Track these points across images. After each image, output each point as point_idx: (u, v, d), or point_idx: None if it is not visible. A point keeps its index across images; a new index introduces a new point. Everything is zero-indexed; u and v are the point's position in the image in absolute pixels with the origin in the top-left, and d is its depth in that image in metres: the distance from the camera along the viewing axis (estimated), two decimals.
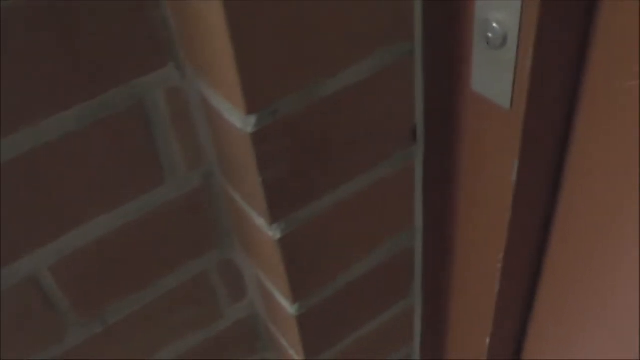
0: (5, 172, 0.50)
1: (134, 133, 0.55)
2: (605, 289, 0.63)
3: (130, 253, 0.62)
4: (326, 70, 0.50)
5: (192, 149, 0.60)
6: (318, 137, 0.53)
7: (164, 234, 0.63)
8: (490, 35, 0.50)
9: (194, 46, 0.51)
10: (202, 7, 0.44)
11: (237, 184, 0.58)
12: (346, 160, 0.57)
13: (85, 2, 0.46)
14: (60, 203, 0.54)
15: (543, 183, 0.61)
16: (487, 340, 0.78)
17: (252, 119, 0.48)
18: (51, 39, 0.46)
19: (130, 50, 0.51)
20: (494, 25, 0.50)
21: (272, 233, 0.56)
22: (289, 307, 0.64)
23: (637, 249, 0.56)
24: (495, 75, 0.53)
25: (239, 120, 0.49)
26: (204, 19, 0.45)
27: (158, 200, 0.61)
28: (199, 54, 0.50)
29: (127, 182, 0.57)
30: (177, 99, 0.56)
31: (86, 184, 0.55)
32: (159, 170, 0.59)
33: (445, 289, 0.79)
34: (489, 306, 0.74)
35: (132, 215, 0.59)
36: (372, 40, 0.51)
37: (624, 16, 0.46)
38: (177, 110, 0.56)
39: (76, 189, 0.55)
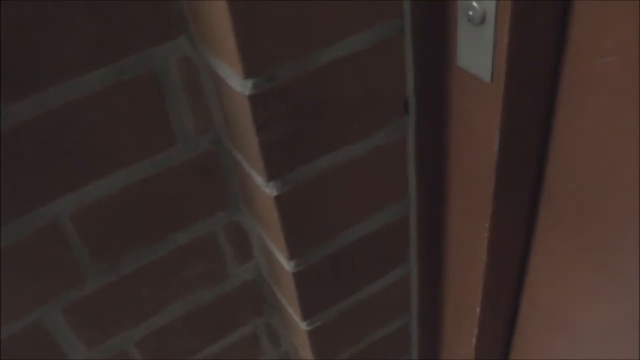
0: (34, 124, 0.56)
1: (149, 97, 0.61)
2: (598, 264, 0.66)
3: (143, 207, 0.68)
4: (321, 41, 0.55)
5: (202, 114, 0.65)
6: (313, 103, 0.58)
7: (176, 192, 0.69)
8: (471, 13, 0.55)
9: (200, 18, 0.56)
10: None
11: (240, 145, 0.64)
12: (340, 126, 0.62)
13: None
14: (81, 155, 0.61)
15: (528, 155, 0.65)
16: (478, 311, 0.83)
17: (250, 83, 0.54)
18: (81, 8, 0.52)
19: (147, 22, 0.57)
20: (474, 3, 0.54)
21: (269, 190, 0.62)
22: (285, 264, 0.70)
23: (630, 222, 0.60)
24: (477, 51, 0.58)
25: (238, 84, 0.54)
26: None
27: (170, 160, 0.66)
28: (205, 24, 0.56)
29: (142, 141, 0.63)
30: (188, 68, 0.62)
31: (105, 140, 0.61)
32: (171, 133, 0.65)
33: (439, 258, 0.84)
34: (478, 277, 0.78)
35: (145, 172, 0.65)
36: (364, 15, 0.56)
37: None
38: (188, 78, 0.62)
39: (96, 144, 0.61)
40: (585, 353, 0.75)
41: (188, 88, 0.63)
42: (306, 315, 0.77)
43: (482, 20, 0.55)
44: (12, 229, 0.61)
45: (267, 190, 0.62)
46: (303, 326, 0.79)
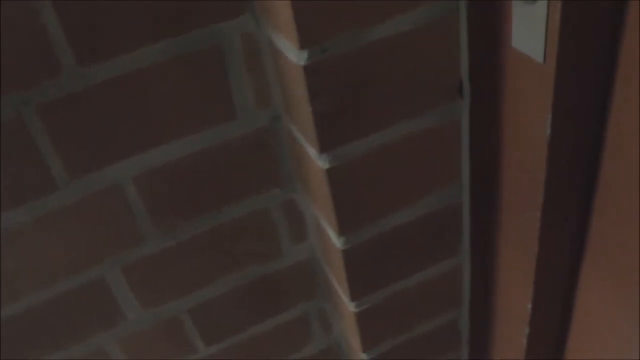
0: (105, 89, 0.61)
1: (213, 71, 0.65)
2: None
3: (202, 177, 0.72)
4: (373, 18, 0.57)
5: (262, 90, 0.69)
6: (364, 78, 0.60)
7: (233, 165, 0.72)
8: None
9: None
10: None
11: (296, 118, 0.66)
12: (391, 104, 0.64)
13: None
14: (144, 122, 0.65)
15: (581, 140, 0.65)
16: (529, 308, 0.82)
17: (305, 54, 0.56)
18: None
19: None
20: None
21: (322, 163, 0.64)
22: (335, 240, 0.72)
23: None
24: (530, 31, 0.58)
25: (294, 55, 0.57)
26: None
27: (229, 133, 0.70)
28: (267, 1, 0.59)
29: (203, 113, 0.67)
30: (250, 44, 0.65)
31: (168, 109, 0.65)
32: (232, 106, 0.68)
33: (491, 249, 0.83)
34: (529, 271, 0.77)
35: (205, 143, 0.69)
36: None
37: None
38: (250, 54, 0.66)
39: (159, 111, 0.65)
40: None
41: (250, 64, 0.66)
42: (355, 295, 0.79)
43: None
44: (79, 185, 0.66)
45: (319, 162, 0.64)
46: (351, 307, 0.81)
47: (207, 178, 0.72)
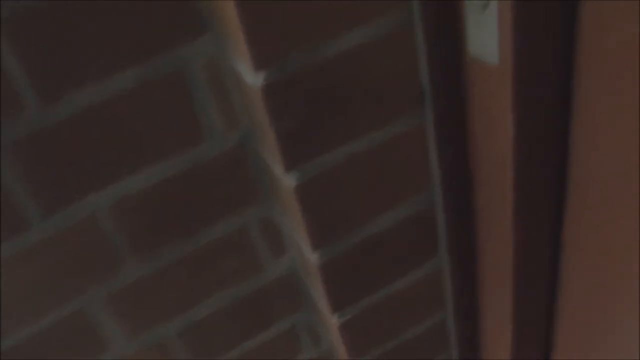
0: (72, 123, 0.61)
1: (177, 95, 0.65)
2: (629, 250, 0.65)
3: (177, 201, 0.72)
4: (329, 33, 0.57)
5: (229, 112, 0.69)
6: (325, 93, 0.61)
7: (208, 187, 0.72)
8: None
9: (219, 16, 0.60)
10: None
11: (260, 137, 0.67)
12: (356, 116, 0.64)
13: None
14: (115, 152, 0.65)
15: (547, 136, 0.65)
16: (511, 306, 0.82)
17: (261, 75, 0.56)
18: (109, 13, 0.57)
19: (172, 22, 0.61)
20: None
21: (289, 181, 0.64)
22: (310, 255, 0.72)
23: None
24: (484, 36, 0.59)
25: (251, 77, 0.57)
26: None
27: (200, 156, 0.70)
28: (223, 22, 0.59)
29: (173, 138, 0.67)
30: (213, 66, 0.65)
31: (137, 138, 0.65)
32: (200, 129, 0.68)
33: (470, 250, 0.83)
34: (508, 270, 0.77)
35: (176, 168, 0.69)
36: (371, 6, 0.58)
37: None
38: (213, 76, 0.66)
39: (129, 141, 0.65)
40: (629, 352, 0.73)
41: (214, 86, 0.66)
42: (336, 307, 0.79)
43: (485, 6, 0.56)
44: (54, 220, 0.66)
45: (286, 180, 0.64)
46: (334, 319, 0.81)
47: (183, 202, 0.72)
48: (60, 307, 0.73)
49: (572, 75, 0.60)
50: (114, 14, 0.58)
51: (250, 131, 0.71)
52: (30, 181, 0.63)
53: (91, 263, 0.71)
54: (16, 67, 0.57)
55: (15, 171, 0.62)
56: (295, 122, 0.61)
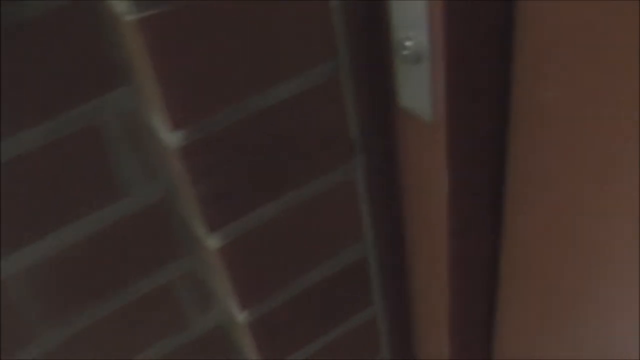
0: None
1: (91, 151, 0.59)
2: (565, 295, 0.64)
3: (97, 260, 0.65)
4: (251, 89, 0.53)
5: (147, 166, 0.63)
6: (251, 150, 0.57)
7: (129, 244, 0.67)
8: (405, 52, 0.53)
9: (136, 69, 0.55)
10: (127, 30, 0.48)
11: (182, 196, 0.62)
12: (283, 172, 0.60)
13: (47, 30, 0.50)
14: (24, 214, 0.59)
15: (482, 193, 0.63)
16: (448, 343, 0.80)
17: (180, 135, 0.52)
18: (18, 61, 0.51)
19: (86, 74, 0.55)
20: (408, 42, 0.53)
21: (213, 242, 0.60)
22: (238, 315, 0.67)
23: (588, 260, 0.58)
24: (416, 90, 0.56)
25: (168, 137, 0.53)
26: (131, 41, 0.49)
27: (118, 213, 0.64)
28: (140, 76, 0.54)
29: (88, 195, 0.61)
30: (130, 121, 0.60)
31: (52, 196, 0.59)
32: (118, 186, 0.62)
33: (406, 297, 0.81)
34: (444, 318, 0.75)
35: (94, 226, 0.63)
36: (296, 60, 0.54)
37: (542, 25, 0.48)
38: (131, 131, 0.60)
39: (43, 200, 0.59)
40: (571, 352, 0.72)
41: (131, 141, 0.61)
42: None
43: (418, 59, 0.53)
44: None
45: (210, 242, 0.60)
46: None
47: (103, 260, 0.66)
48: None
49: (507, 131, 0.58)
50: (18, 64, 0.51)
51: (171, 187, 0.66)
52: None
53: (6, 332, 0.64)
54: None
55: None
56: (218, 183, 0.56)
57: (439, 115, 0.55)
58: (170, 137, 0.52)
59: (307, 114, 0.58)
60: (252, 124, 0.55)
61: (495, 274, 0.73)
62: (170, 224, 0.69)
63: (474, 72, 0.53)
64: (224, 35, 0.49)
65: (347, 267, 0.72)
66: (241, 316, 0.67)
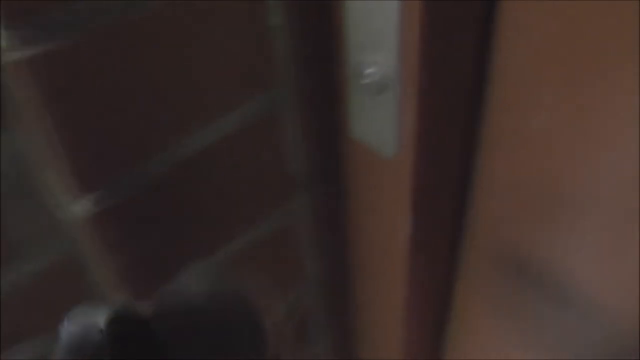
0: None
1: None
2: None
3: None
4: (169, 137, 0.42)
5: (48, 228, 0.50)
6: (178, 204, 0.45)
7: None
8: (366, 80, 0.44)
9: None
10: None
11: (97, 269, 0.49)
12: (217, 226, 0.49)
13: None
14: None
15: (445, 234, 0.56)
16: None
17: (88, 202, 0.40)
18: None
19: None
20: (369, 70, 0.43)
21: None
22: None
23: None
24: (375, 123, 0.47)
25: (72, 205, 0.40)
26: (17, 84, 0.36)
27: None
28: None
29: None
30: (18, 178, 0.46)
31: None
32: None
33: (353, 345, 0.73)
34: None
35: None
36: (224, 96, 0.43)
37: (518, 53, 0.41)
38: (22, 191, 0.47)
39: None
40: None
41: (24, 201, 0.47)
42: None
43: (381, 89, 0.44)
44: None
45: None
46: None
47: None
48: None
49: (473, 169, 0.51)
50: None
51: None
52: None
53: None
54: None
55: None
56: (140, 250, 0.44)
57: (404, 150, 0.46)
58: (76, 206, 0.40)
59: (244, 154, 0.48)
60: (179, 173, 0.44)
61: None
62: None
63: (447, 104, 0.45)
64: (134, 74, 0.37)
65: (291, 312, 0.63)
66: None
